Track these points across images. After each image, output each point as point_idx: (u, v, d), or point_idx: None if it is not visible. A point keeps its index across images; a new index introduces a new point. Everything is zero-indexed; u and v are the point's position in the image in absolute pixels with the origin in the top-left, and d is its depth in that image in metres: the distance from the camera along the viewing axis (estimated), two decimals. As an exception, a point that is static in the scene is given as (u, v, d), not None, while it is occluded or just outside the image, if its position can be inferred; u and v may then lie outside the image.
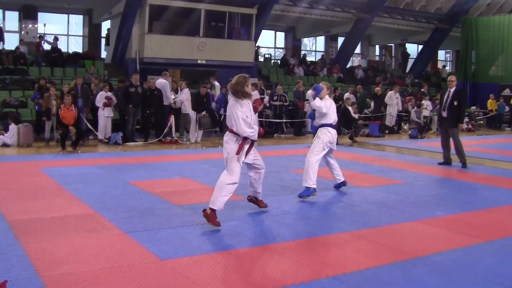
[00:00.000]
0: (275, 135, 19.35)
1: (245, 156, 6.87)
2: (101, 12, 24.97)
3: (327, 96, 8.68)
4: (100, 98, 16.14)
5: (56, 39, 23.46)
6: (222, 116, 16.94)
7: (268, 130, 19.25)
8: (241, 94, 6.72)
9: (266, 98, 19.77)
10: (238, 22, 24.34)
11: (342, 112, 17.29)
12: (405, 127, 22.43)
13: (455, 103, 12.22)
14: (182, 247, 5.75)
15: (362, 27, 28.86)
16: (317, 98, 8.58)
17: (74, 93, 15.48)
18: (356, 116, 18.74)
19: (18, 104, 18.06)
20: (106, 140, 16.03)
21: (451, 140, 12.56)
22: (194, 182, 9.83)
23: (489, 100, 25.84)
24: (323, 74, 28.96)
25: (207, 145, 16.39)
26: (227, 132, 6.89)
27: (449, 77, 13.27)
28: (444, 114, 12.47)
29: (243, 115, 6.66)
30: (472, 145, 17.55)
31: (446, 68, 39.00)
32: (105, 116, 16.21)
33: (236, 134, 6.77)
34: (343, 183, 9.13)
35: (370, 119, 21.24)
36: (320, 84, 8.77)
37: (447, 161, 12.69)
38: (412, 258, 5.54)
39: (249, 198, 7.62)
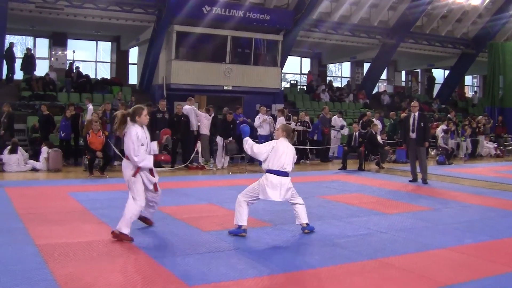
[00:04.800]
0: (301, 161, 19.19)
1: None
2: (129, 39, 25.44)
3: (281, 138, 7.71)
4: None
5: (71, 65, 23.99)
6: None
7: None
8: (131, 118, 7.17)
9: (293, 124, 19.70)
10: (264, 48, 24.54)
11: (368, 138, 17.23)
12: (432, 153, 22.21)
13: (422, 124, 13.83)
14: (208, 273, 5.73)
15: (388, 52, 28.84)
16: (251, 143, 7.63)
17: (103, 119, 15.68)
18: (382, 141, 18.65)
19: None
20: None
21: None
22: (220, 208, 9.83)
23: (518, 126, 25.53)
24: (349, 100, 28.94)
25: (234, 171, 16.43)
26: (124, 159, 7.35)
27: (412, 103, 14.76)
28: (413, 135, 13.96)
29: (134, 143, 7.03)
30: (501, 171, 17.35)
31: (475, 93, 38.71)
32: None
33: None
34: (305, 228, 7.75)
35: (397, 145, 21.08)
36: (279, 125, 8.17)
37: (415, 178, 14.09)
38: (441, 286, 5.46)
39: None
